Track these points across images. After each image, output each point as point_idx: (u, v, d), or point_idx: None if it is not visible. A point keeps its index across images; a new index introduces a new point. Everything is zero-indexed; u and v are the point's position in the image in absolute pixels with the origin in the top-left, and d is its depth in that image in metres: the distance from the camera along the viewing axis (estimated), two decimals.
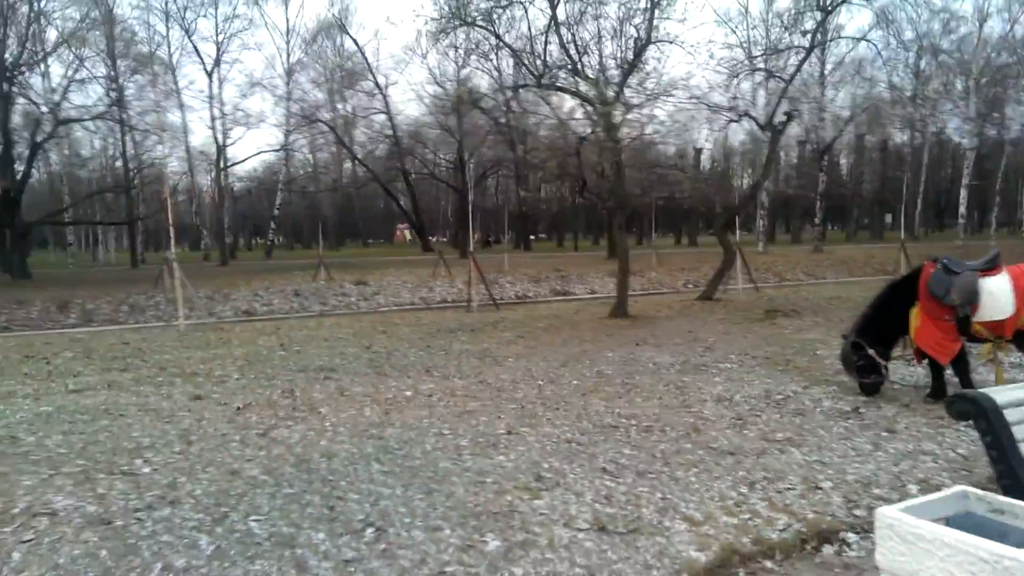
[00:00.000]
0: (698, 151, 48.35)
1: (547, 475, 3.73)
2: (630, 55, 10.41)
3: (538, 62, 9.66)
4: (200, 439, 4.49)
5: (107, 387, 6.28)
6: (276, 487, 3.62)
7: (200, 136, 36.96)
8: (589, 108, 11.44)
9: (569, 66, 9.51)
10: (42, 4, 22.16)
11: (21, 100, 24.08)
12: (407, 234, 79.12)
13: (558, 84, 9.90)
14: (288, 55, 35.38)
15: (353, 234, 73.62)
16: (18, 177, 23.31)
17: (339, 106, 47.05)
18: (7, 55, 22.18)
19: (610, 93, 9.72)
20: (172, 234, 11.03)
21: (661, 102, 10.80)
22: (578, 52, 9.51)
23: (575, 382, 6.00)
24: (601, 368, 6.55)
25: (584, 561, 2.80)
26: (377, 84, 42.88)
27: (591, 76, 9.60)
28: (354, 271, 24.70)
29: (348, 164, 54.16)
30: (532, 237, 52.73)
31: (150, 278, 23.49)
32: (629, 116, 10.53)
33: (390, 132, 43.75)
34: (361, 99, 45.75)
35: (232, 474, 3.81)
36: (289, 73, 34.62)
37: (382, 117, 44.46)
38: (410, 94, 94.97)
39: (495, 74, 41.32)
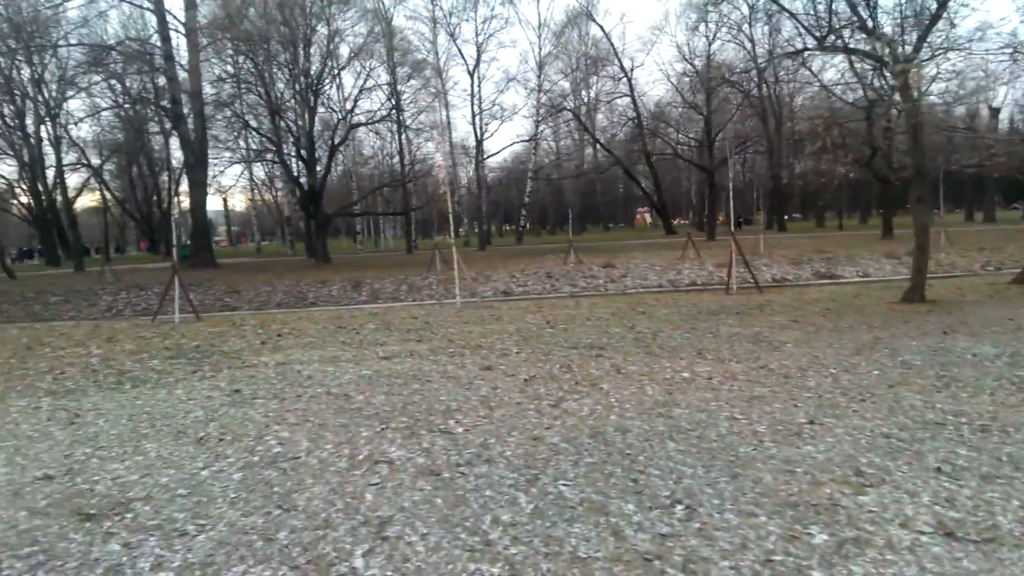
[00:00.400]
0: (995, 111, 40.96)
1: (868, 471, 3.38)
2: (920, 5, 9.03)
3: (820, 22, 8.79)
4: (499, 406, 4.84)
5: (410, 355, 7.07)
6: (577, 456, 3.75)
7: (461, 131, 40.25)
8: (863, 69, 10.20)
9: (856, 24, 8.50)
10: (337, 24, 25.69)
11: (320, 109, 28.25)
12: (647, 217, 78.41)
13: (845, 45, 8.88)
14: (540, 49, 36.85)
15: (594, 218, 74.72)
16: (319, 176, 27.32)
17: (583, 93, 48.00)
18: (312, 71, 26.04)
19: (904, 49, 8.52)
20: (452, 223, 12.08)
21: (959, 55, 9.25)
22: (868, 8, 8.47)
23: (875, 372, 5.39)
24: (905, 358, 5.81)
25: (935, 568, 2.48)
26: (622, 67, 42.91)
27: (884, 32, 8.49)
28: (600, 254, 25.04)
29: (589, 150, 55.07)
30: (786, 216, 48.96)
31: (423, 262, 26.15)
32: (925, 72, 9.17)
33: (633, 115, 43.54)
34: (605, 84, 46.21)
35: (535, 440, 4.04)
36: (540, 66, 36.06)
37: (624, 100, 44.46)
38: (654, 76, 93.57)
39: (748, 46, 39.09)
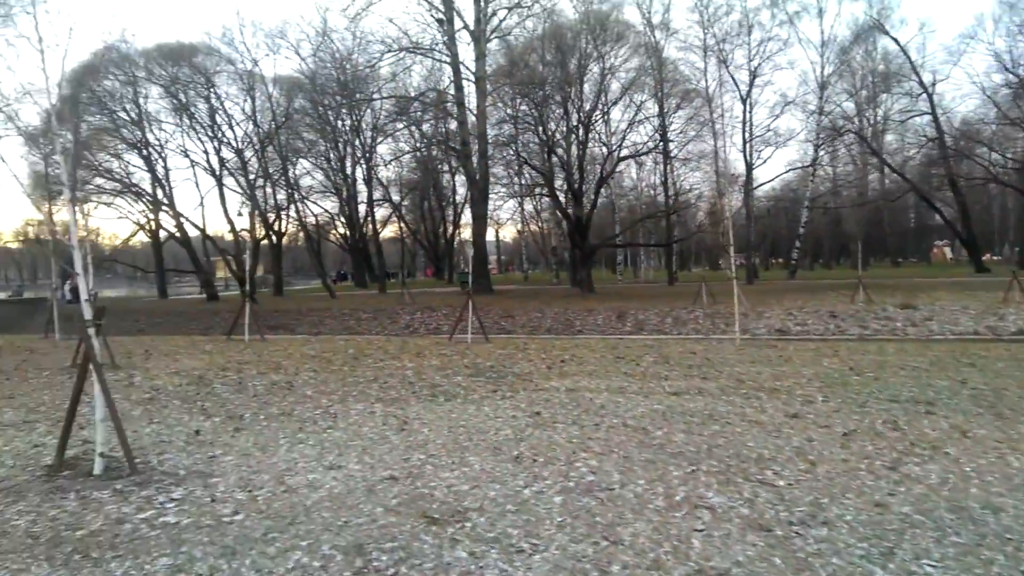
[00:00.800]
0: None
1: None
2: None
3: None
4: (820, 460, 4.38)
5: (699, 393, 6.82)
6: (938, 532, 3.21)
7: (729, 159, 38.56)
8: None
9: None
10: (610, 61, 26.55)
11: (589, 143, 29.27)
12: (947, 251, 68.08)
13: None
14: (822, 68, 34.15)
15: (880, 252, 66.83)
16: (586, 208, 28.22)
17: (868, 113, 43.42)
18: (584, 108, 27.15)
19: None
20: (731, 256, 11.54)
21: None
22: None
23: None
24: None
25: None
26: (921, 83, 38.00)
27: None
28: (894, 292, 22.22)
29: (874, 175, 49.47)
30: None
31: (684, 294, 25.57)
32: None
33: (933, 134, 38.23)
34: (897, 102, 41.36)
35: (877, 506, 3.55)
36: (822, 87, 33.38)
37: (922, 119, 39.29)
38: (963, 89, 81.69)
39: None
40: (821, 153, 37.57)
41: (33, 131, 31.44)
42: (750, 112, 33.60)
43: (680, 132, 29.31)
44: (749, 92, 33.44)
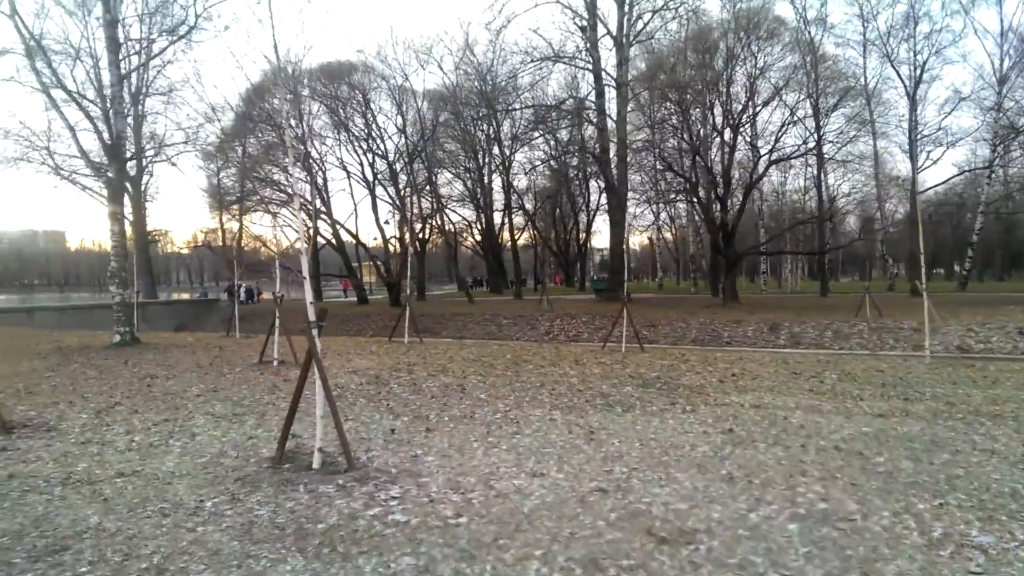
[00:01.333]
0: None
1: None
2: None
3: None
4: None
5: (906, 415, 6.23)
6: None
7: (891, 162, 35.30)
8: None
9: None
10: (761, 60, 25.31)
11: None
12: None
13: None
14: (1001, 61, 30.67)
15: None
16: (731, 214, 27.07)
17: None
18: (732, 110, 26.07)
19: None
20: (923, 266, 10.50)
21: None
22: None
23: None
24: None
25: None
26: None
27: None
28: None
29: None
30: None
31: (840, 306, 23.88)
32: None
33: None
34: None
35: None
36: (1001, 81, 29.97)
37: None
38: None
39: None
40: (997, 154, 33.84)
41: (208, 148, 34.71)
42: (915, 110, 30.85)
43: (840, 132, 27.33)
44: (916, 88, 30.73)
